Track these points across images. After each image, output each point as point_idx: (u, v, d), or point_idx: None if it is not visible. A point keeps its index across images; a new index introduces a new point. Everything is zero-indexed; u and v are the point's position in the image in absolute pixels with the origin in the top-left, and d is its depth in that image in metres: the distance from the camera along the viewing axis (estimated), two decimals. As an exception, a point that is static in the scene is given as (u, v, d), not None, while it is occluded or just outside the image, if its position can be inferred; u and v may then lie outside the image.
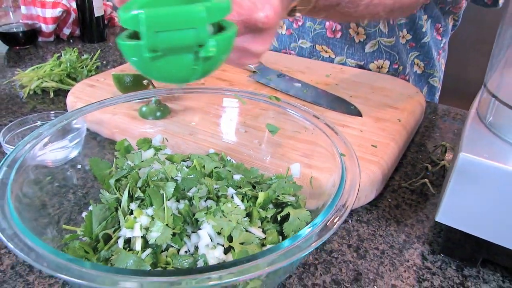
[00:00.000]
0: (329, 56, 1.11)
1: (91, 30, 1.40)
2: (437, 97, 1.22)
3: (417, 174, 0.71)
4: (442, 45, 1.15)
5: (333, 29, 1.06)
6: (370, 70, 1.09)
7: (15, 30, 1.33)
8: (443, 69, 1.20)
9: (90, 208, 0.52)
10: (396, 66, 1.09)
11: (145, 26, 0.36)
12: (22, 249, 0.36)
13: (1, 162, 0.48)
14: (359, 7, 0.70)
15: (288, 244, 0.36)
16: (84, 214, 0.55)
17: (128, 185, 0.51)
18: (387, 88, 0.89)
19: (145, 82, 0.83)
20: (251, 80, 0.93)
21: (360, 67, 1.09)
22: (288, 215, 0.49)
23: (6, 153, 0.73)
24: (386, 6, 0.73)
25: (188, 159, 0.61)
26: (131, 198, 0.50)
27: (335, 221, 0.39)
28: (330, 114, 0.78)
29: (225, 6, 0.39)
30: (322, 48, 1.10)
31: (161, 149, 0.61)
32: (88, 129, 0.66)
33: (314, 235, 0.37)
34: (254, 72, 0.96)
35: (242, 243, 0.46)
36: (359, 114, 0.78)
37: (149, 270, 0.42)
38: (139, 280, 0.33)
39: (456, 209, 0.50)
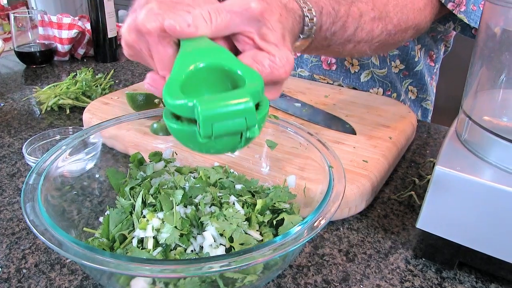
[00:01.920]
0: (327, 82, 1.18)
1: (104, 50, 1.48)
2: (430, 118, 1.28)
3: (405, 188, 0.77)
4: (434, 70, 1.22)
5: (328, 62, 1.14)
6: None
7: (32, 50, 1.41)
8: (434, 91, 1.27)
9: (107, 213, 0.58)
10: (389, 93, 1.16)
11: (202, 119, 0.39)
12: (53, 242, 0.42)
13: (31, 170, 0.54)
14: (347, 47, 0.74)
15: (280, 240, 0.42)
16: (101, 218, 0.61)
17: (141, 192, 0.57)
18: (381, 109, 0.95)
19: (156, 101, 0.90)
20: (254, 99, 0.99)
21: None
22: (282, 220, 0.55)
23: (28, 164, 0.80)
24: (372, 46, 0.77)
25: (195, 171, 0.68)
26: (144, 204, 0.57)
27: (321, 222, 0.45)
28: (326, 132, 0.84)
29: (261, 88, 0.43)
30: (320, 77, 1.18)
31: (171, 162, 0.68)
32: (103, 144, 0.72)
33: (303, 232, 0.43)
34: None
35: (241, 244, 0.52)
36: (353, 132, 0.84)
37: (159, 259, 0.48)
38: (151, 267, 0.39)
39: (434, 217, 0.56)
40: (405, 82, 1.19)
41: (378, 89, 1.16)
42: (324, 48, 0.72)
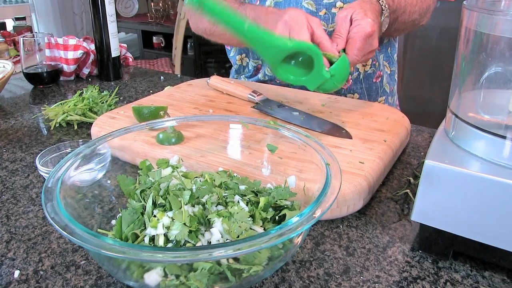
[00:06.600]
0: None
1: (108, 69, 1.53)
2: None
3: (401, 187, 0.81)
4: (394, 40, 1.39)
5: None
6: None
7: (39, 71, 1.46)
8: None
9: (119, 215, 0.62)
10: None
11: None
12: (73, 235, 0.46)
13: (49, 176, 0.58)
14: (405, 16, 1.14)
15: (280, 228, 0.46)
16: (113, 222, 0.65)
17: (151, 194, 0.61)
18: (375, 114, 0.99)
19: (161, 113, 0.94)
20: (254, 110, 1.04)
21: None
22: (284, 216, 0.59)
23: (41, 175, 0.84)
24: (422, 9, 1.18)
25: (200, 176, 0.71)
26: (154, 204, 0.60)
27: (318, 213, 0.49)
28: (324, 137, 0.88)
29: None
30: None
31: (178, 168, 0.71)
32: (111, 155, 0.76)
33: (301, 222, 0.47)
34: (257, 103, 1.07)
35: (246, 239, 0.56)
36: (349, 136, 0.88)
37: (171, 247, 0.52)
38: (163, 254, 0.43)
39: (427, 209, 0.60)
40: (380, 56, 1.32)
41: None
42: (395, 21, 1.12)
